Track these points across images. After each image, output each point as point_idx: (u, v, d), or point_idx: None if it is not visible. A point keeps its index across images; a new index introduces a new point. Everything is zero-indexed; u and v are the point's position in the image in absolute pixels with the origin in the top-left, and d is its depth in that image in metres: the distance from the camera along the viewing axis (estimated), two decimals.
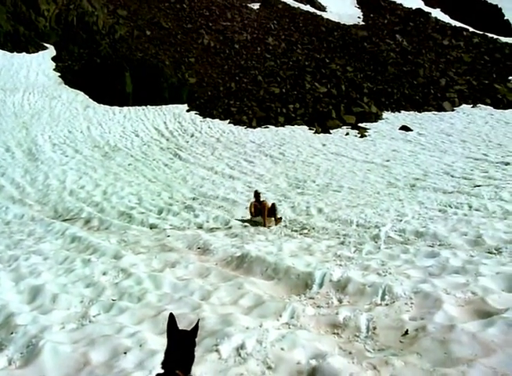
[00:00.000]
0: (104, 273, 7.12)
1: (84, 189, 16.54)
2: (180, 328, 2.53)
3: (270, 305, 5.32)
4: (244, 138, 25.97)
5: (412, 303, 5.09)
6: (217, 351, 4.15)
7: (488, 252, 7.25)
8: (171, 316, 2.49)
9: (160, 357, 2.49)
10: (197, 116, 32.48)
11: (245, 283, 6.18)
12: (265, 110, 30.48)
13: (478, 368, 3.60)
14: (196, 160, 21.30)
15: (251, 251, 7.63)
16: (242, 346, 4.20)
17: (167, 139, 26.80)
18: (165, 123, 30.93)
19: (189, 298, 5.74)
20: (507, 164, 16.37)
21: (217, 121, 30.87)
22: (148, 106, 35.66)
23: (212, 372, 3.82)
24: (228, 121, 30.42)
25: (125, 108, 34.94)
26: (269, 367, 3.89)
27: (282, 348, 4.16)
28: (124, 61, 37.60)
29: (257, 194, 11.87)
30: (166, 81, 36.66)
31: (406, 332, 4.45)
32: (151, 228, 11.30)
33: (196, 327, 2.58)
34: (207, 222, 11.62)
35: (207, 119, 31.37)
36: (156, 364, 3.36)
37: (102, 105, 35.23)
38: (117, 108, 34.82)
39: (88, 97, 36.71)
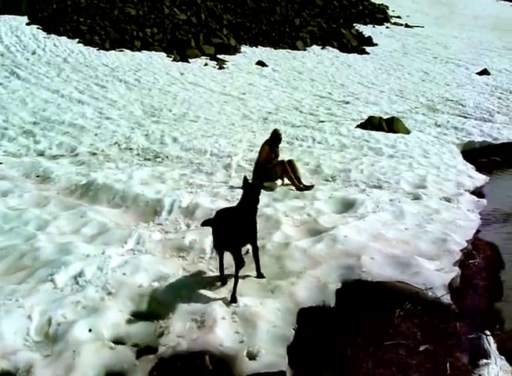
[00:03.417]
0: None
1: None
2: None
3: (115, 232, 5.15)
4: (96, 60, 23.70)
5: None
6: (52, 281, 3.90)
7: (325, 180, 7.99)
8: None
9: None
10: (40, 31, 28.41)
11: (89, 211, 5.85)
12: (119, 32, 27.96)
13: (305, 279, 4.01)
14: (38, 81, 18.88)
15: (98, 179, 7.22)
16: (80, 274, 4.02)
17: (2, 55, 23.14)
18: None
19: (23, 228, 5.24)
20: (347, 103, 17.91)
21: (64, 38, 27.44)
22: None
23: (45, 302, 3.59)
24: (77, 40, 27.27)
25: None
26: (109, 293, 3.81)
27: (124, 274, 4.09)
28: None
29: (277, 138, 7.77)
30: None
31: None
32: None
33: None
34: (50, 148, 10.60)
35: (53, 36, 27.70)
36: None
37: None
38: None
39: None
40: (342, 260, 4.35)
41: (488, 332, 3.17)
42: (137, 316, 3.62)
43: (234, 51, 28.19)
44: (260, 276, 4.10)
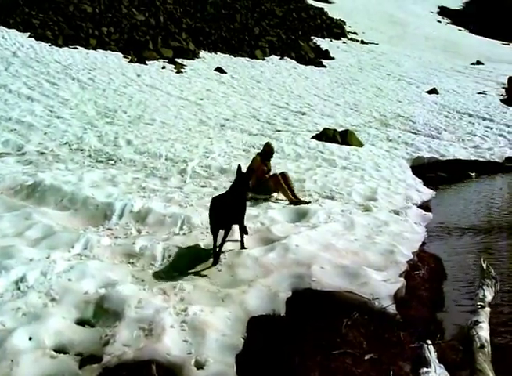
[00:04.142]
0: None
1: None
2: None
3: (61, 236, 4.95)
4: (48, 56, 22.83)
5: (207, 232, 5.34)
6: None
7: None
8: None
9: None
10: None
11: (34, 213, 5.59)
12: (74, 29, 27.13)
13: (257, 287, 4.02)
14: None
15: (46, 180, 6.92)
16: (22, 279, 3.83)
17: None
18: None
19: None
20: (304, 114, 18.25)
21: (14, 31, 26.30)
22: None
23: None
24: (28, 34, 26.22)
25: None
26: (53, 299, 3.65)
27: (69, 279, 3.93)
28: None
29: (269, 152, 7.59)
30: None
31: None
32: None
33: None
34: None
35: (1, 27, 26.48)
36: None
37: None
38: None
39: None
40: (293, 269, 4.40)
41: (429, 341, 3.30)
42: (81, 324, 3.49)
43: (193, 55, 28.06)
44: (243, 247, 4.91)
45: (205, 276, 4.31)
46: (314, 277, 4.22)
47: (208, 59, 28.51)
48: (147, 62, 24.96)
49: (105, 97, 17.02)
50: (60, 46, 25.21)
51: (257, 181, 7.01)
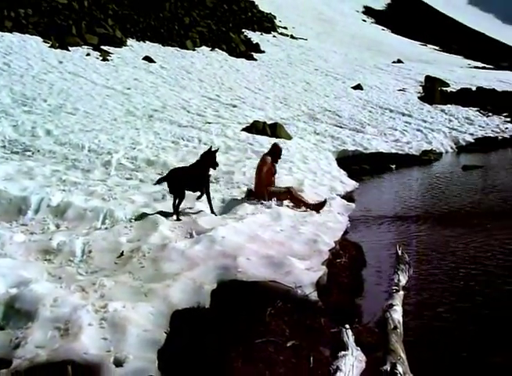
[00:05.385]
0: None
1: None
2: None
3: None
4: None
5: (131, 226, 5.20)
6: None
7: None
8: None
9: None
10: None
11: None
12: None
13: (181, 281, 3.97)
14: None
15: None
16: None
17: None
18: None
19: None
20: (234, 106, 18.24)
21: None
22: None
23: None
24: None
25: None
26: None
27: None
28: None
29: (278, 153, 7.29)
30: None
31: (122, 254, 4.53)
32: None
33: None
34: None
35: None
36: None
37: None
38: None
39: None
40: (219, 261, 4.39)
41: (347, 326, 3.44)
42: None
43: (120, 43, 27.00)
44: (213, 212, 5.90)
45: (128, 271, 4.18)
46: (240, 268, 4.24)
47: (136, 48, 27.59)
48: (70, 48, 23.64)
49: (22, 84, 15.91)
50: None
51: (258, 188, 6.81)
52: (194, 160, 6.35)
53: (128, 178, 7.69)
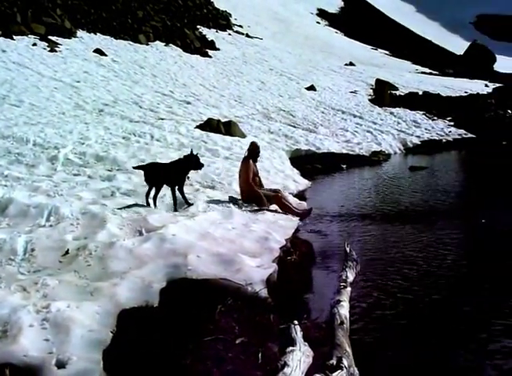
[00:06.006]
0: None
1: None
2: None
3: None
4: None
5: (78, 224, 5.03)
6: None
7: None
8: None
9: None
10: None
11: None
12: None
13: (129, 279, 3.87)
14: None
15: None
16: None
17: None
18: None
19: None
20: (188, 103, 18.07)
21: None
22: None
23: None
24: None
25: None
26: None
27: None
28: None
29: (257, 152, 7.30)
30: None
31: (67, 252, 4.37)
32: None
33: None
34: None
35: None
36: None
37: None
38: None
39: None
40: (169, 259, 4.33)
41: (296, 322, 3.48)
42: None
43: (69, 34, 26.06)
44: (188, 204, 6.22)
45: (73, 270, 4.04)
46: (190, 266, 4.19)
47: (87, 40, 26.71)
48: (15, 37, 22.56)
49: None
50: None
51: (251, 192, 6.84)
52: (172, 159, 6.77)
53: (75, 175, 7.45)
